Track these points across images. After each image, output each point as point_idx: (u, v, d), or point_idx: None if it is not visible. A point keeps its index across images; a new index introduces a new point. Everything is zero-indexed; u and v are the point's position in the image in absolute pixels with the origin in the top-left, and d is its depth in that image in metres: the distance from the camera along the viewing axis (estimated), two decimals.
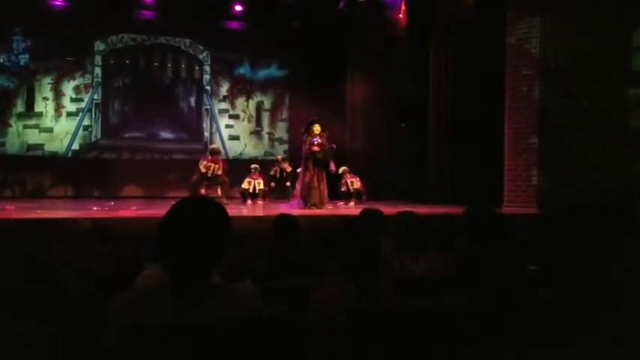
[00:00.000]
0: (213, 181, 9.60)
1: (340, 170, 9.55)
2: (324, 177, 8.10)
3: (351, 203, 9.44)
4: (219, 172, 9.57)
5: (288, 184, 10.15)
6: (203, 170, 9.51)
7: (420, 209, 5.42)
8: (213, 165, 9.53)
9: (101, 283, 2.36)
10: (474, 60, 9.07)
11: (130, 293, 1.61)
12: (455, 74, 9.59)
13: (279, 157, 11.01)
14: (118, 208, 7.76)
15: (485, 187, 8.34)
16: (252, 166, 10.23)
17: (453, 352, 1.88)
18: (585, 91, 8.01)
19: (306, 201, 7.92)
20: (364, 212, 3.79)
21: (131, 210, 7.57)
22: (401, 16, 10.19)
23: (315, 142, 8.00)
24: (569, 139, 7.95)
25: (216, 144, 11.03)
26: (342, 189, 9.78)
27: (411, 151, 10.46)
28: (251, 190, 9.84)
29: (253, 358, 1.53)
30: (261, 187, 9.92)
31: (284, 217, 3.58)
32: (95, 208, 7.52)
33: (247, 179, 9.95)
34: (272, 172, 10.35)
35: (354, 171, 10.02)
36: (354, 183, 9.73)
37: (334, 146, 8.34)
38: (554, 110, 8.03)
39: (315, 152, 7.97)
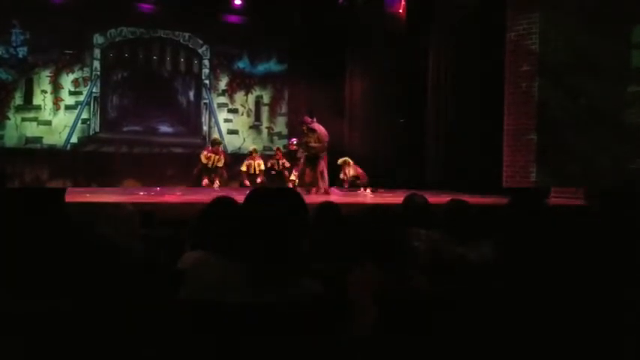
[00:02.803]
0: (213, 171, 9.62)
1: (339, 161, 9.75)
2: (318, 164, 8.46)
3: (364, 190, 9.53)
4: (220, 164, 9.60)
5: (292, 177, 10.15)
6: (204, 161, 9.55)
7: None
8: (213, 156, 9.56)
9: (142, 264, 2.41)
10: (474, 55, 9.08)
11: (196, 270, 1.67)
12: (454, 69, 9.60)
13: (278, 148, 11.04)
14: (163, 194, 7.97)
15: (485, 184, 8.35)
16: (252, 147, 10.34)
17: (481, 340, 1.88)
18: (584, 88, 8.03)
19: (304, 189, 8.33)
20: (407, 199, 3.70)
21: (176, 195, 7.73)
22: (401, 11, 10.18)
23: (294, 142, 9.05)
24: (567, 136, 7.97)
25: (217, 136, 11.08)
26: (341, 176, 9.91)
27: (410, 144, 10.49)
28: (251, 172, 9.87)
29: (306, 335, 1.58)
30: (262, 167, 9.98)
31: (325, 204, 3.61)
32: (142, 193, 7.86)
33: (246, 162, 10.03)
34: (269, 165, 10.40)
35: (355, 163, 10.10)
36: (350, 171, 9.84)
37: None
38: (553, 106, 8.04)
39: (306, 150, 8.55)
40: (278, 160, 10.46)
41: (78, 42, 10.85)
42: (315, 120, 8.59)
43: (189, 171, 11.16)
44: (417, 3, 9.92)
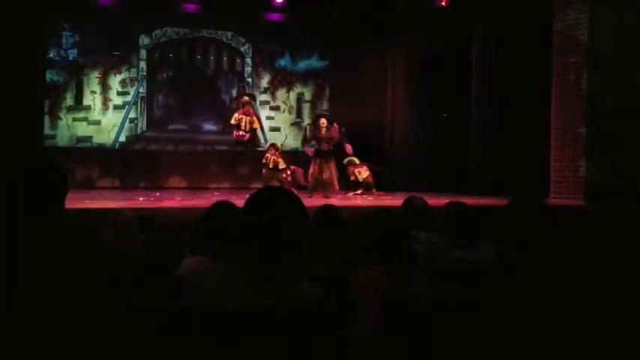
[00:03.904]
0: (249, 132, 9.36)
1: (345, 161, 9.61)
2: (331, 167, 8.62)
3: (358, 192, 9.45)
4: (256, 125, 9.48)
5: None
6: (234, 122, 9.40)
7: (464, 200, 5.37)
8: (245, 117, 9.42)
9: (141, 269, 2.46)
10: (518, 47, 8.86)
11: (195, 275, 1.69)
12: (498, 62, 9.39)
13: (273, 144, 9.95)
14: (162, 199, 7.97)
15: (531, 178, 8.16)
16: (271, 142, 9.87)
17: (482, 342, 1.87)
18: (636, 78, 7.72)
19: (310, 190, 8.53)
20: (406, 201, 3.77)
21: (175, 200, 7.77)
22: (443, 3, 10.02)
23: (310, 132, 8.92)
24: (618, 129, 7.69)
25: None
26: (352, 178, 9.71)
27: (453, 140, 10.32)
28: (271, 166, 9.22)
29: (305, 341, 1.59)
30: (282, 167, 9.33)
31: (325, 207, 3.63)
32: (141, 199, 7.74)
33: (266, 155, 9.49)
34: (263, 161, 9.81)
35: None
36: (362, 172, 9.66)
37: (343, 129, 8.84)
38: (602, 99, 7.77)
39: (318, 145, 8.69)
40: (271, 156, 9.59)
41: (125, 43, 11.16)
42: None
43: (233, 168, 11.33)
44: None
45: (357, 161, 9.71)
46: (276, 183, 9.30)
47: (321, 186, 8.60)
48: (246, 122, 9.41)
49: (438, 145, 10.57)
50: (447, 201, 3.39)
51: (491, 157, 9.47)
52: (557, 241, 2.60)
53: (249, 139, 9.55)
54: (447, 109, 10.71)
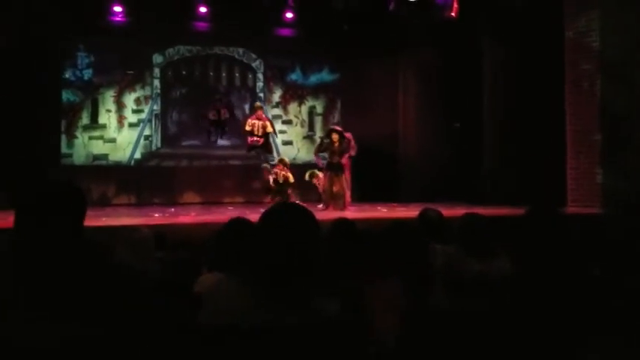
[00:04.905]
0: (262, 137, 9.45)
1: (307, 175, 9.71)
2: (341, 179, 8.69)
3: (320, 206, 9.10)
4: (269, 129, 9.54)
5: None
6: (248, 129, 9.48)
7: (479, 210, 5.35)
8: (257, 122, 9.48)
9: (159, 287, 2.47)
10: (529, 56, 8.83)
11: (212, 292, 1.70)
12: (510, 72, 9.35)
13: (281, 160, 10.09)
14: (178, 214, 8.02)
15: (545, 187, 8.09)
16: (279, 158, 9.94)
17: (502, 354, 1.85)
18: None
19: (324, 203, 8.69)
20: (421, 213, 3.75)
21: (190, 216, 7.81)
22: (453, 14, 10.03)
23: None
24: (634, 135, 7.61)
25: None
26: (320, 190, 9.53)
27: (466, 150, 10.28)
28: (281, 181, 9.22)
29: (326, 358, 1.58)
30: (291, 181, 9.39)
31: (339, 221, 3.63)
32: (157, 215, 7.80)
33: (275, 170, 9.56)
34: (272, 177, 9.72)
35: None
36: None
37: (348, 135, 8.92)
38: (617, 105, 7.70)
39: (329, 158, 8.80)
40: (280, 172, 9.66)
41: (139, 62, 11.32)
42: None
43: (246, 183, 11.38)
44: (469, 4, 9.74)
45: (319, 174, 9.57)
46: (280, 199, 9.37)
47: (332, 199, 8.64)
48: (258, 126, 9.50)
49: (450, 155, 10.54)
50: (462, 212, 3.37)
51: (506, 166, 9.40)
52: (575, 250, 2.58)
53: (263, 144, 9.66)
54: (458, 118, 10.68)
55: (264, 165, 9.94)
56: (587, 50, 7.88)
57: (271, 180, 9.43)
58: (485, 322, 1.91)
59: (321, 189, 9.44)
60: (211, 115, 10.52)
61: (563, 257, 2.48)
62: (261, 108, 10.00)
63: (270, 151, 10.27)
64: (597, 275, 2.66)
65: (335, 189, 8.63)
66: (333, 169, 8.75)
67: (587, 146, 7.93)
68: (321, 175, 9.45)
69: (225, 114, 10.45)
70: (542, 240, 2.53)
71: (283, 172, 9.40)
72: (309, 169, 10.01)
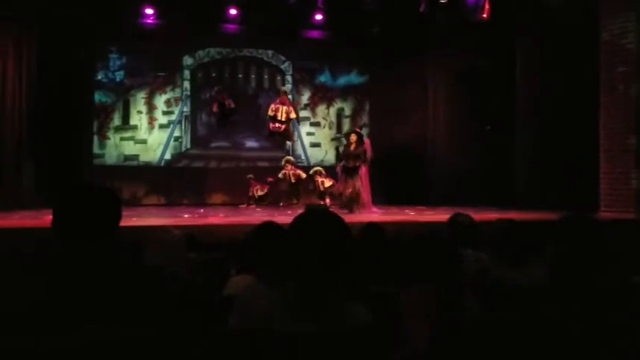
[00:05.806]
0: (285, 124, 9.49)
1: (311, 171, 9.78)
2: (355, 182, 8.50)
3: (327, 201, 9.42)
4: (292, 115, 9.53)
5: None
6: (271, 114, 9.50)
7: (510, 215, 5.26)
8: (281, 107, 9.48)
9: (190, 289, 2.48)
10: (565, 57, 8.65)
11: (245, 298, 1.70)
12: (544, 73, 9.18)
13: (288, 159, 10.60)
14: (207, 215, 8.09)
15: (578, 191, 7.92)
16: (286, 158, 10.17)
17: None
18: None
19: (341, 207, 8.49)
20: (452, 218, 3.69)
21: (219, 217, 7.87)
22: (485, 15, 9.89)
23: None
24: None
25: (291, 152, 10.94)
26: (318, 187, 9.73)
27: (496, 153, 10.12)
28: (293, 181, 9.42)
29: None
30: (303, 177, 9.61)
31: (369, 225, 3.62)
32: (186, 216, 7.88)
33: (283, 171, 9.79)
34: (281, 176, 10.25)
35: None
36: (325, 182, 9.68)
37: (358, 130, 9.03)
38: None
39: (345, 162, 8.63)
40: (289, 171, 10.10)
41: (169, 64, 11.49)
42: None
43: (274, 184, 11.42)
44: (501, 6, 9.60)
45: (322, 171, 9.73)
46: (293, 199, 9.51)
47: (346, 202, 8.52)
48: (282, 112, 9.51)
49: (480, 158, 10.39)
50: (492, 217, 3.31)
51: (538, 169, 9.23)
52: (613, 257, 2.51)
53: (284, 130, 9.67)
54: (489, 121, 10.53)
55: (250, 175, 10.12)
56: (622, 52, 7.69)
57: (255, 192, 9.82)
58: (518, 331, 1.87)
59: (321, 188, 9.57)
60: (214, 108, 10.60)
61: (600, 264, 2.41)
62: (286, 93, 10.05)
63: (290, 138, 10.23)
64: (638, 282, 2.57)
65: (348, 192, 8.51)
66: (348, 172, 8.66)
67: (621, 150, 7.74)
68: (324, 173, 9.63)
69: (230, 104, 10.50)
70: (577, 246, 2.47)
71: (292, 172, 9.53)
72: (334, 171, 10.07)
